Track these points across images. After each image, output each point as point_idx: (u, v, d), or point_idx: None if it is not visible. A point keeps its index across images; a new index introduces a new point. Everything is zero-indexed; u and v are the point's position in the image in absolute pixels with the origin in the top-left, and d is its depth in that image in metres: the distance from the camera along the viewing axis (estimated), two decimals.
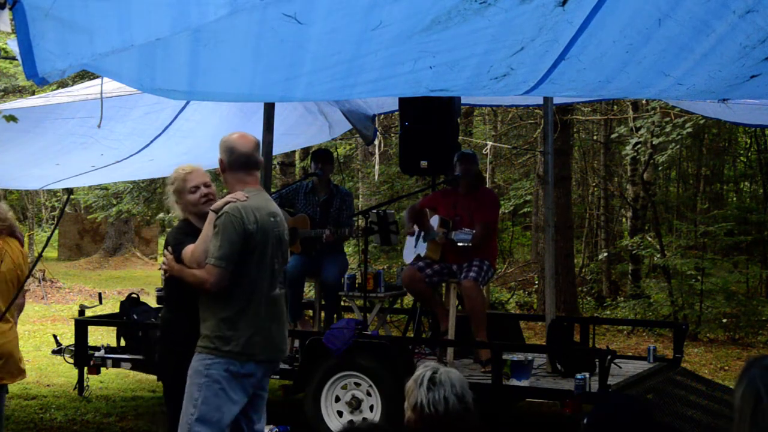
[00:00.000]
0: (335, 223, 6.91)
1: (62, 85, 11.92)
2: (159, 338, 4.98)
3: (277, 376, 6.37)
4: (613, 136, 14.90)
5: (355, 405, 5.98)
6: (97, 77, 6.29)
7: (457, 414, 2.54)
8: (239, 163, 4.16)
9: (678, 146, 13.15)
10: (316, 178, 7.07)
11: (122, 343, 7.05)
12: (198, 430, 3.97)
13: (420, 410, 2.51)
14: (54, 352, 7.25)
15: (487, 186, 7.63)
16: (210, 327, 4.06)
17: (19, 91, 16.88)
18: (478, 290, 6.36)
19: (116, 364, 6.82)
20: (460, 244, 6.18)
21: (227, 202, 4.07)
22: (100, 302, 7.76)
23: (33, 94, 14.79)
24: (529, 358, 5.92)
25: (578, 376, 5.49)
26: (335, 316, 7.04)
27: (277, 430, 5.85)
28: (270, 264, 4.14)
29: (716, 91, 4.66)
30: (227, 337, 4.01)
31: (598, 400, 5.30)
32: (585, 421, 2.51)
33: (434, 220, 6.74)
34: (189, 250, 4.13)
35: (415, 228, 6.83)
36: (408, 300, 9.01)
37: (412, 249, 6.90)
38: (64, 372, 8.43)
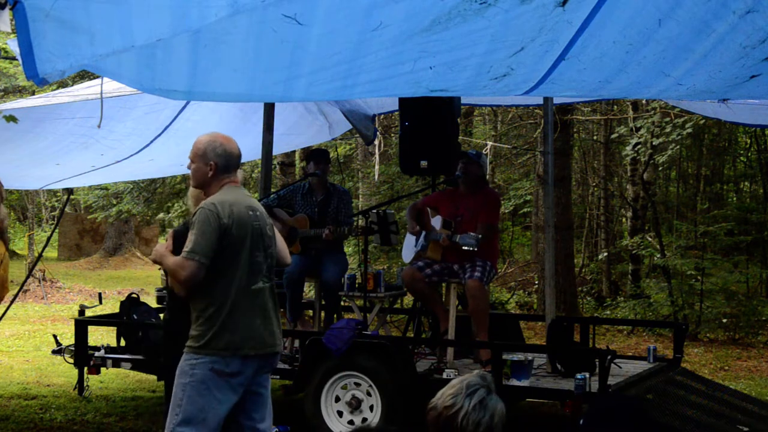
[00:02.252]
0: (334, 222, 6.92)
1: (62, 85, 11.92)
2: (163, 338, 4.98)
3: (278, 376, 6.37)
4: (613, 136, 14.90)
5: (355, 405, 5.98)
6: (97, 77, 6.29)
7: None
8: (233, 165, 4.18)
9: (678, 146, 13.15)
10: (313, 178, 7.07)
11: (122, 343, 7.05)
12: (181, 431, 3.95)
13: (452, 415, 2.50)
14: (54, 352, 7.25)
15: (491, 188, 7.60)
16: (194, 325, 4.05)
17: (19, 91, 16.88)
18: (482, 291, 6.37)
19: (116, 364, 6.82)
20: (465, 248, 6.16)
21: None
22: (100, 302, 7.76)
23: (33, 94, 14.80)
24: (529, 358, 5.92)
25: (578, 376, 5.49)
26: (335, 316, 7.03)
27: (277, 430, 5.85)
28: (250, 257, 4.07)
29: (716, 91, 4.67)
30: (209, 334, 3.98)
31: (595, 400, 5.31)
32: (582, 421, 2.51)
33: (436, 220, 6.73)
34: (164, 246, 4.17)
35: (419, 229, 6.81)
36: (408, 300, 9.01)
37: (412, 248, 6.89)
38: (64, 372, 8.43)
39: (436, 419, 2.49)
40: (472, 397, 2.48)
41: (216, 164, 4.12)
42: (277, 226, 6.99)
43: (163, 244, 4.26)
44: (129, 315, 7.12)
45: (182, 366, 4.02)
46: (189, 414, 3.96)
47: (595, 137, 17.59)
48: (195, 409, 3.95)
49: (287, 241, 7.02)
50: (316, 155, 7.22)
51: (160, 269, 4.53)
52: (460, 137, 8.42)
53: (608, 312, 13.05)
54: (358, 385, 6.01)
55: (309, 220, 6.99)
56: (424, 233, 6.71)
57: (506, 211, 16.45)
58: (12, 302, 4.37)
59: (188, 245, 3.96)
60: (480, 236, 6.15)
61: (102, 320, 7.57)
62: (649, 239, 14.09)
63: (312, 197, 7.07)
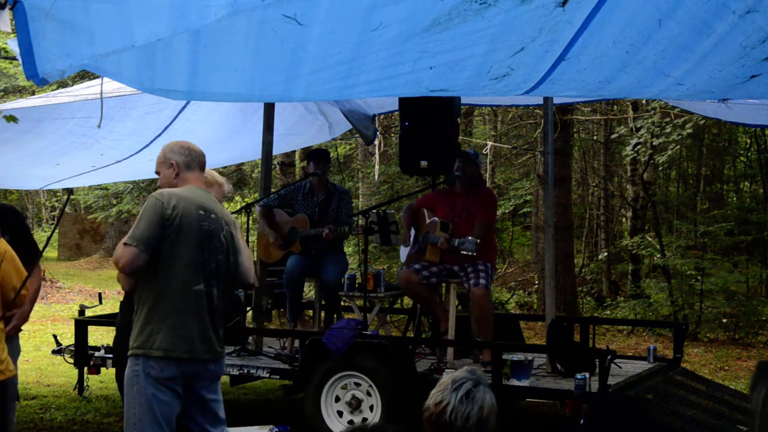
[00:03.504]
0: (334, 222, 6.91)
1: (62, 85, 11.92)
2: (115, 340, 4.90)
3: (278, 376, 6.37)
4: (613, 136, 14.90)
5: (355, 405, 5.98)
6: (97, 77, 6.29)
7: None
8: (195, 161, 4.14)
9: (678, 146, 13.15)
10: (314, 178, 7.07)
11: None
12: None
13: (441, 412, 2.50)
14: (54, 352, 7.25)
15: (487, 186, 7.59)
16: (135, 325, 3.99)
17: (19, 91, 16.88)
18: (487, 298, 6.39)
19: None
20: (464, 252, 6.15)
21: None
22: (100, 302, 7.75)
23: (33, 94, 14.80)
24: (529, 358, 5.92)
25: (578, 376, 5.48)
26: (335, 316, 7.03)
27: (277, 430, 5.85)
28: (191, 256, 3.96)
29: (716, 91, 4.67)
30: (145, 333, 3.92)
31: (594, 400, 5.30)
32: (582, 421, 2.50)
33: (433, 222, 6.71)
34: None
35: (412, 233, 6.80)
36: (408, 300, 9.01)
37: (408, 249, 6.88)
38: (64, 372, 8.43)
39: (429, 419, 2.49)
40: (458, 390, 2.49)
41: (177, 162, 4.11)
42: (271, 234, 7.05)
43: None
44: None
45: (127, 374, 3.98)
46: (144, 421, 3.92)
47: (595, 137, 17.58)
48: (149, 416, 3.92)
49: (288, 240, 7.03)
50: (316, 155, 7.22)
51: None
52: (460, 137, 8.41)
53: (608, 312, 13.05)
54: (358, 385, 6.01)
55: (309, 220, 6.99)
56: (422, 235, 6.69)
57: (506, 211, 16.45)
58: (11, 304, 4.36)
59: (131, 232, 3.92)
60: (479, 240, 6.14)
61: (102, 320, 7.56)
62: (649, 239, 14.09)
63: (313, 197, 7.07)
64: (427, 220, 6.72)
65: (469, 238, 6.14)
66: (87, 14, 2.88)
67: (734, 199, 18.38)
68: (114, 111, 6.57)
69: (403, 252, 7.01)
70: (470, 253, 6.12)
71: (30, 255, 4.76)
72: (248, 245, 7.43)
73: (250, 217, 7.11)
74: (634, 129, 12.86)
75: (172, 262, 3.94)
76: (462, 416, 2.45)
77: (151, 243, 3.88)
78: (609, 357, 5.42)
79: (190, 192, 4.05)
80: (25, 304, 4.49)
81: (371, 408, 5.95)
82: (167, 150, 4.17)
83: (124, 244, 3.88)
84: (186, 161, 4.12)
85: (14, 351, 4.72)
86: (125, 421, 4.01)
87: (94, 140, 7.02)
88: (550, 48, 3.74)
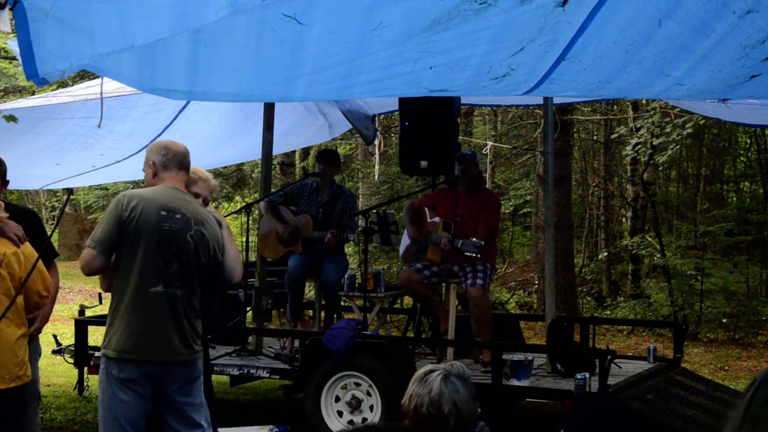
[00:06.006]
0: (338, 225, 6.90)
1: (62, 85, 11.92)
2: None
3: (278, 376, 6.37)
4: (613, 136, 14.91)
5: (355, 405, 5.98)
6: (97, 77, 6.29)
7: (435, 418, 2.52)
8: (173, 161, 4.10)
9: (678, 146, 13.16)
10: (315, 178, 7.06)
11: None
12: None
13: (407, 403, 2.53)
14: (54, 352, 7.25)
15: (487, 186, 7.59)
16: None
17: (19, 91, 16.87)
18: (485, 298, 6.39)
19: None
20: (467, 254, 6.15)
21: None
22: (100, 302, 7.75)
23: (33, 94, 14.79)
24: (529, 358, 5.93)
25: (578, 376, 5.48)
26: (335, 316, 7.03)
27: (277, 430, 5.85)
28: (151, 258, 3.90)
29: (716, 91, 4.67)
30: (108, 334, 3.95)
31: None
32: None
33: (435, 221, 6.71)
34: None
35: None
36: (408, 300, 9.01)
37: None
38: (64, 372, 8.43)
39: (406, 415, 2.52)
40: (418, 379, 2.52)
41: (154, 162, 4.12)
42: (280, 225, 7.05)
43: None
44: None
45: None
46: (105, 419, 3.97)
47: (595, 137, 17.58)
48: (108, 414, 3.96)
49: (290, 240, 7.02)
50: (321, 156, 7.26)
51: None
52: (460, 137, 8.42)
53: (608, 312, 13.06)
54: (358, 385, 6.01)
55: (313, 220, 6.98)
56: (423, 234, 6.68)
57: (506, 211, 16.45)
58: (12, 302, 4.31)
59: (92, 234, 3.96)
60: (482, 243, 6.14)
61: (102, 320, 7.53)
62: (649, 239, 14.09)
63: (318, 197, 7.07)
64: (429, 220, 6.72)
65: (473, 239, 6.13)
66: (87, 14, 2.88)
67: (734, 199, 18.38)
68: (114, 111, 6.58)
69: (403, 244, 6.97)
70: (474, 255, 6.12)
71: (49, 256, 4.78)
72: (249, 245, 7.46)
73: (250, 217, 7.11)
74: (634, 129, 12.86)
75: (130, 263, 3.92)
76: (416, 398, 2.47)
77: (108, 245, 3.89)
78: (609, 357, 5.42)
79: (156, 192, 4.02)
80: (46, 306, 4.50)
81: (371, 408, 5.95)
82: (148, 150, 4.20)
83: (85, 246, 3.93)
84: (162, 161, 4.11)
85: (35, 353, 4.74)
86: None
87: (94, 140, 7.02)
88: (550, 48, 3.74)
